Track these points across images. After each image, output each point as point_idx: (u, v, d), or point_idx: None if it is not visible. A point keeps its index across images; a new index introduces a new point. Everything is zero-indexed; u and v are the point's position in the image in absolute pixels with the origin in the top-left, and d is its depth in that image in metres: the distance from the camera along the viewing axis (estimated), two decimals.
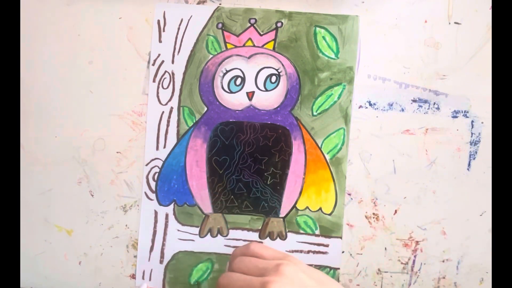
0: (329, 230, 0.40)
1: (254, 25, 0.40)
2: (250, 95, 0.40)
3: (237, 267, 0.33)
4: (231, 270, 0.33)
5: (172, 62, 0.40)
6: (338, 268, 0.40)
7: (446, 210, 0.40)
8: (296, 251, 0.40)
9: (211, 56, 0.40)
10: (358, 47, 0.40)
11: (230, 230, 0.41)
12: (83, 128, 0.41)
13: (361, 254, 0.40)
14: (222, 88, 0.40)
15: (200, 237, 0.41)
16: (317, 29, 0.40)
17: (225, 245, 0.41)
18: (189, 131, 0.41)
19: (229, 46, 0.40)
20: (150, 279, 0.41)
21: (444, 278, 0.40)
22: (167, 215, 0.41)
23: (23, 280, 0.42)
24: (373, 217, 0.40)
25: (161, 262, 0.41)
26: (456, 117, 0.40)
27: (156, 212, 0.41)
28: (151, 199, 0.41)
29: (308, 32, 0.40)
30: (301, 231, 0.40)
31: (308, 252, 0.40)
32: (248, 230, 0.41)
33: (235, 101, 0.40)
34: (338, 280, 0.40)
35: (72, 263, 0.42)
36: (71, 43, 0.41)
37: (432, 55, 0.40)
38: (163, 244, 0.41)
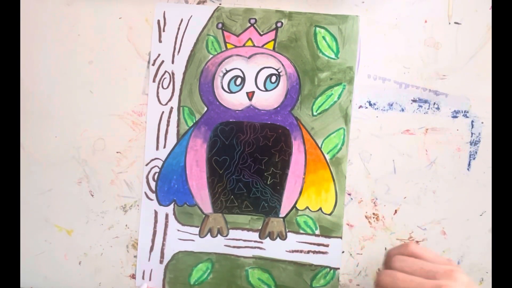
0: (329, 230, 0.40)
1: (254, 25, 0.40)
2: (250, 95, 0.40)
3: (399, 266, 0.31)
4: (390, 269, 0.31)
5: (172, 62, 0.40)
6: (338, 268, 0.40)
7: (446, 210, 0.40)
8: (296, 251, 0.40)
9: (211, 56, 0.40)
10: (358, 47, 0.40)
11: (230, 230, 0.41)
12: (83, 128, 0.41)
13: (361, 254, 0.40)
14: (222, 88, 0.40)
15: (200, 237, 0.41)
16: (317, 29, 0.40)
17: (225, 245, 0.41)
18: (189, 131, 0.41)
19: (229, 46, 0.40)
20: (150, 279, 0.41)
21: None
22: (167, 215, 0.41)
23: (23, 280, 0.42)
24: (373, 217, 0.40)
25: (161, 262, 0.41)
26: (456, 117, 0.40)
27: (156, 212, 0.41)
28: (151, 199, 0.41)
29: (308, 32, 0.40)
30: (301, 231, 0.40)
31: (308, 252, 0.40)
32: (248, 230, 0.41)
33: (235, 101, 0.40)
34: (338, 280, 0.40)
35: (72, 263, 0.42)
36: (71, 43, 0.41)
37: (432, 55, 0.40)
38: (163, 244, 0.41)
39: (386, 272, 0.31)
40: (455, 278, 0.29)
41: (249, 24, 0.40)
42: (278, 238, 0.41)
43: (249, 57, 0.40)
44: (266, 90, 0.40)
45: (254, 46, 0.40)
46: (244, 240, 0.41)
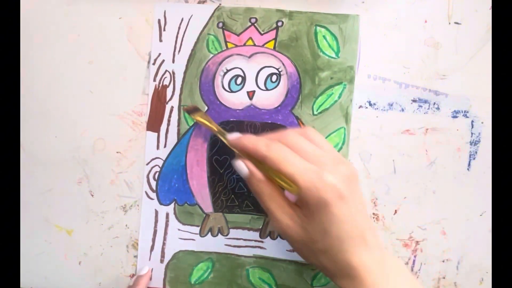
0: None
1: (255, 24, 0.40)
2: (251, 95, 0.40)
3: (291, 143, 0.30)
4: (277, 140, 0.31)
5: (173, 61, 0.40)
6: None
7: (446, 210, 0.40)
8: None
9: (211, 55, 0.40)
10: (358, 47, 0.40)
11: (231, 230, 0.41)
12: (83, 128, 0.41)
13: None
14: (223, 87, 0.40)
15: (201, 236, 0.41)
16: (318, 28, 0.40)
17: (226, 245, 0.41)
18: (190, 131, 0.41)
19: (229, 45, 0.40)
20: (150, 279, 0.41)
21: (444, 278, 0.40)
22: (167, 215, 0.41)
23: (23, 280, 0.42)
24: (373, 217, 0.40)
25: (161, 261, 0.41)
26: (456, 117, 0.40)
27: (156, 212, 0.41)
28: (152, 199, 0.41)
29: (309, 31, 0.40)
30: None
31: None
32: (249, 229, 0.41)
33: (236, 100, 0.40)
34: None
35: (72, 263, 0.42)
36: (71, 43, 0.41)
37: (432, 55, 0.40)
38: (164, 244, 0.41)
39: (271, 143, 0.30)
40: (338, 169, 0.29)
41: (250, 24, 0.40)
42: (278, 237, 0.41)
43: (249, 57, 0.40)
44: (267, 90, 0.40)
45: (254, 45, 0.40)
46: (245, 240, 0.41)
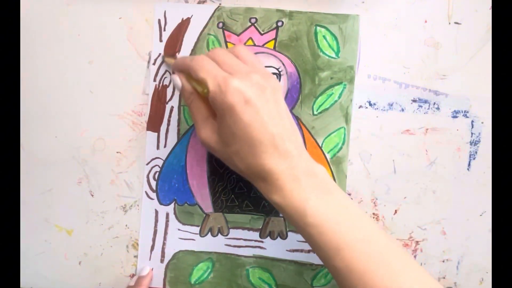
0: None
1: (255, 24, 0.40)
2: None
3: (215, 56, 0.33)
4: (207, 55, 0.33)
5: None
6: None
7: (446, 210, 0.40)
8: (297, 250, 0.40)
9: None
10: (358, 47, 0.40)
11: (231, 230, 0.41)
12: (83, 128, 0.41)
13: None
14: None
15: (201, 236, 0.41)
16: (318, 28, 0.40)
17: (226, 245, 0.41)
18: (190, 130, 0.41)
19: (229, 45, 0.40)
20: (151, 279, 0.41)
21: (444, 278, 0.40)
22: (167, 215, 0.41)
23: (23, 280, 0.42)
24: (373, 217, 0.40)
25: (161, 261, 0.41)
26: (456, 117, 0.40)
27: (156, 212, 0.41)
28: (152, 198, 0.41)
29: (309, 31, 0.40)
30: None
31: (309, 251, 0.40)
32: (249, 229, 0.41)
33: None
34: None
35: (72, 263, 0.42)
36: (71, 43, 0.41)
37: (432, 55, 0.40)
38: (164, 244, 0.41)
39: (198, 56, 0.33)
40: (249, 77, 0.31)
41: (250, 24, 0.40)
42: (278, 237, 0.41)
43: None
44: None
45: (254, 45, 0.40)
46: (245, 240, 0.41)
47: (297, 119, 0.40)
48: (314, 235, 0.30)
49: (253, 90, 0.30)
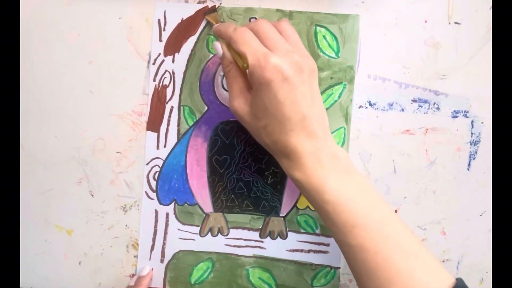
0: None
1: None
2: None
3: (258, 30, 0.33)
4: (250, 27, 0.33)
5: (173, 61, 0.40)
6: (339, 268, 0.40)
7: (446, 210, 0.40)
8: (297, 250, 0.40)
9: (211, 55, 0.40)
10: (358, 47, 0.40)
11: (231, 230, 0.41)
12: (83, 128, 0.41)
13: None
14: (223, 87, 0.40)
15: (201, 236, 0.41)
16: (318, 28, 0.40)
17: (226, 245, 0.41)
18: (190, 130, 0.41)
19: None
20: (151, 279, 0.41)
21: None
22: (167, 215, 0.41)
23: (23, 280, 0.42)
24: None
25: (161, 261, 0.41)
26: (456, 117, 0.40)
27: (156, 212, 0.41)
28: (152, 199, 0.41)
29: (309, 31, 0.40)
30: (302, 231, 0.41)
31: (309, 251, 0.40)
32: (249, 229, 0.41)
33: None
34: (338, 280, 0.40)
35: (72, 263, 0.42)
36: (71, 43, 0.41)
37: (432, 55, 0.40)
38: (164, 244, 0.41)
39: (242, 28, 0.33)
40: (289, 56, 0.31)
41: None
42: (278, 237, 0.41)
43: None
44: None
45: None
46: (245, 240, 0.41)
47: None
48: (330, 212, 0.31)
49: (292, 69, 0.31)
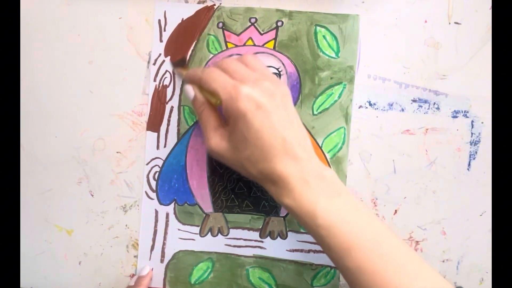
0: None
1: (255, 24, 0.40)
2: None
3: (224, 67, 0.34)
4: (217, 66, 0.34)
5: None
6: None
7: (446, 210, 0.40)
8: (297, 250, 0.40)
9: (211, 55, 0.40)
10: (358, 47, 0.40)
11: (231, 230, 0.41)
12: (83, 128, 0.41)
13: None
14: None
15: (201, 236, 0.41)
16: (318, 28, 0.40)
17: (226, 245, 0.41)
18: (190, 130, 0.41)
19: (229, 45, 0.40)
20: (151, 279, 0.41)
21: (444, 278, 0.40)
22: (167, 215, 0.41)
23: (23, 280, 0.42)
24: None
25: (161, 261, 0.41)
26: (456, 117, 0.40)
27: (156, 212, 0.41)
28: (152, 198, 0.41)
29: (309, 31, 0.40)
30: (302, 230, 0.41)
31: (309, 251, 0.40)
32: (249, 229, 0.41)
33: None
34: (338, 280, 0.40)
35: (72, 263, 0.42)
36: (71, 43, 0.41)
37: (432, 55, 0.40)
38: (164, 244, 0.41)
39: (209, 68, 0.34)
40: (259, 84, 0.32)
41: (250, 24, 0.40)
42: (278, 237, 0.41)
43: None
44: None
45: (254, 45, 0.40)
46: (245, 240, 0.41)
47: None
48: (325, 236, 0.31)
49: (264, 95, 0.31)
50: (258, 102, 0.31)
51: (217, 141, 0.33)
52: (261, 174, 0.32)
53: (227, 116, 0.32)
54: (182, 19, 0.40)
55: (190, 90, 0.35)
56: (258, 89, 0.31)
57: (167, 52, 0.40)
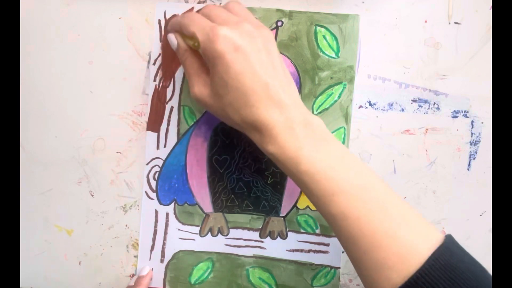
0: (330, 229, 0.40)
1: None
2: None
3: (207, 12, 0.33)
4: (199, 13, 0.33)
5: (173, 61, 0.40)
6: (339, 268, 0.40)
7: (446, 210, 0.40)
8: (297, 250, 0.40)
9: None
10: (358, 47, 0.40)
11: (231, 230, 0.41)
12: (83, 128, 0.41)
13: None
14: None
15: (201, 236, 0.41)
16: (318, 28, 0.40)
17: (226, 245, 0.41)
18: (190, 130, 0.41)
19: None
20: (151, 279, 0.41)
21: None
22: (167, 215, 0.41)
23: (23, 280, 0.42)
24: None
25: (161, 261, 0.41)
26: (456, 117, 0.40)
27: (156, 212, 0.41)
28: (152, 198, 0.41)
29: (309, 31, 0.40)
30: (302, 230, 0.41)
31: (309, 251, 0.40)
32: (249, 229, 0.41)
33: None
34: (338, 280, 0.40)
35: (72, 263, 0.42)
36: (71, 43, 0.41)
37: (432, 55, 0.40)
38: (164, 244, 0.41)
39: (189, 13, 0.33)
40: (239, 25, 0.31)
41: None
42: (278, 237, 0.41)
43: None
44: None
45: None
46: (245, 240, 0.41)
47: None
48: (308, 182, 0.30)
49: (243, 38, 0.30)
50: (236, 44, 0.30)
51: (200, 88, 0.33)
52: (243, 121, 0.31)
53: (206, 60, 0.31)
54: None
55: (173, 38, 0.34)
56: (237, 31, 0.30)
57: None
